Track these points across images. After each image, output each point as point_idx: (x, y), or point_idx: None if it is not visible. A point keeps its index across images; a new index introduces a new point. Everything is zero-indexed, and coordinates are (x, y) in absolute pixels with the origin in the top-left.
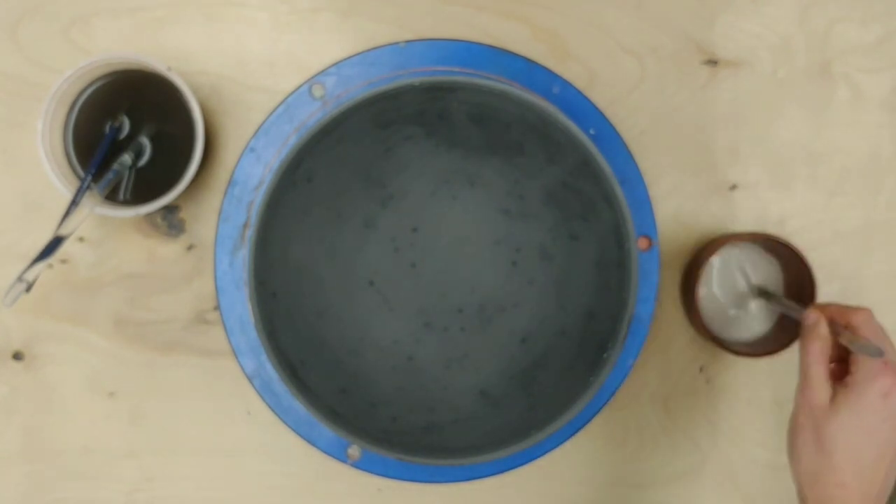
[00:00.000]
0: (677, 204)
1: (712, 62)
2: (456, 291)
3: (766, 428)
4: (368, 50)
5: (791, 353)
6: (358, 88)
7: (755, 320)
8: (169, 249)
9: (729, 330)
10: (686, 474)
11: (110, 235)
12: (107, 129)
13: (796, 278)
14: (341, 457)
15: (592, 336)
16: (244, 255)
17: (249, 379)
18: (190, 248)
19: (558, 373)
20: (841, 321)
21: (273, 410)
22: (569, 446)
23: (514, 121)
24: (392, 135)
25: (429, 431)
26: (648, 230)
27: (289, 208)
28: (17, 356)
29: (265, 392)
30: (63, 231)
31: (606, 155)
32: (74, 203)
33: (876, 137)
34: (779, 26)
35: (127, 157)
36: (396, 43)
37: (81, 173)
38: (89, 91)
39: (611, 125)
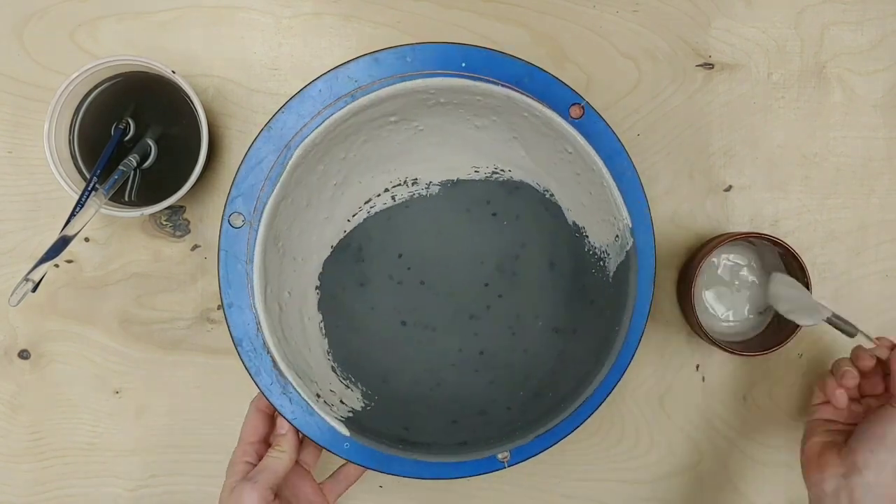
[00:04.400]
0: (673, 205)
1: (708, 65)
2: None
3: (762, 425)
4: (369, 53)
5: (787, 352)
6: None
7: (750, 319)
8: (174, 249)
9: (724, 328)
10: (682, 471)
11: (116, 235)
12: (112, 130)
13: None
14: (400, 471)
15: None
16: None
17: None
18: (194, 248)
19: (557, 371)
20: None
21: (321, 445)
22: (566, 443)
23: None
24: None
25: (452, 430)
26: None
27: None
28: (24, 354)
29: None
30: (69, 231)
31: (603, 155)
32: (80, 204)
33: (869, 139)
34: (773, 30)
35: (132, 159)
36: (397, 46)
37: (87, 174)
38: (95, 93)
39: (562, 83)
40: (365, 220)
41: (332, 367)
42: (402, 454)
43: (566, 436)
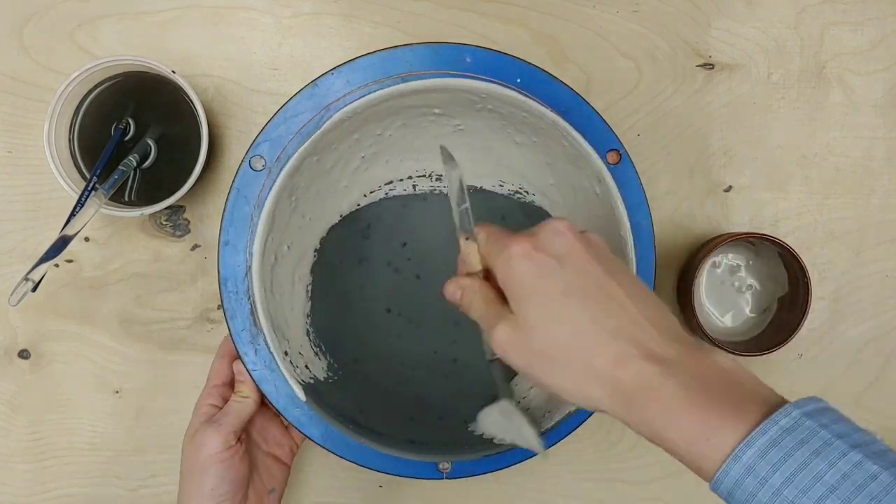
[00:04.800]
0: (673, 205)
1: (708, 65)
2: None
3: None
4: (370, 53)
5: (786, 352)
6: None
7: (750, 319)
8: (174, 249)
9: (724, 329)
10: (680, 472)
11: (116, 235)
12: (112, 130)
13: (791, 278)
14: (342, 452)
15: None
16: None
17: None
18: (194, 248)
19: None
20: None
21: (273, 406)
22: (565, 443)
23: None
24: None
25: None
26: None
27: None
28: (24, 354)
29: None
30: (69, 231)
31: (628, 203)
32: (80, 203)
33: (869, 139)
34: (773, 30)
35: (132, 159)
36: (459, 44)
37: (87, 174)
38: (95, 93)
39: (605, 123)
40: (381, 200)
41: (308, 331)
42: (352, 436)
43: (564, 437)
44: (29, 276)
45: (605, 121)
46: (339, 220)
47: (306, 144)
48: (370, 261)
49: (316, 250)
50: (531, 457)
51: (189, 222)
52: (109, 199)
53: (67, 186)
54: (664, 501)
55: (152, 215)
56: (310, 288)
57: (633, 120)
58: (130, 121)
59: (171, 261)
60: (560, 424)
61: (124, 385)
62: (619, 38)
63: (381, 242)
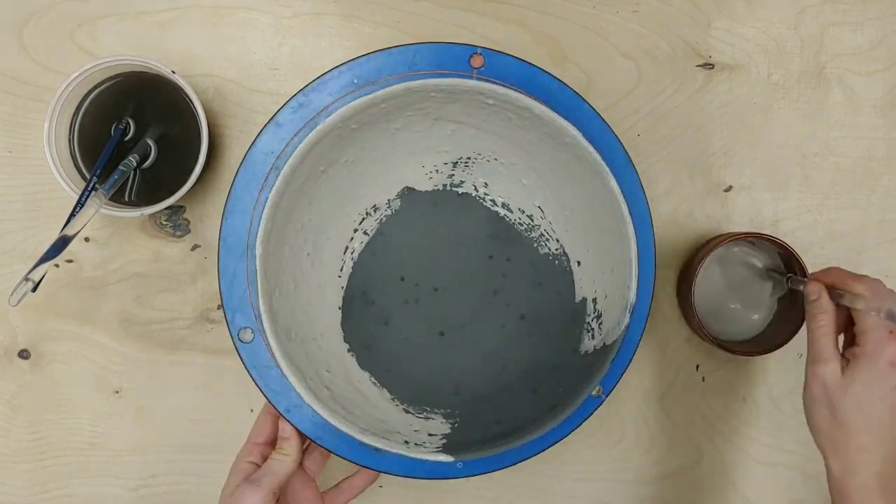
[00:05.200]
0: (673, 205)
1: (708, 65)
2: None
3: (762, 425)
4: (370, 54)
5: (786, 352)
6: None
7: (750, 319)
8: (174, 249)
9: (724, 329)
10: (682, 471)
11: (116, 235)
12: (112, 130)
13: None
14: (343, 452)
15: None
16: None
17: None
18: (194, 248)
19: (556, 370)
20: (843, 287)
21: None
22: (566, 443)
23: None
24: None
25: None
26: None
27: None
28: (24, 354)
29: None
30: (69, 231)
31: (603, 155)
32: (80, 204)
33: (869, 139)
34: (773, 30)
35: (132, 159)
36: (398, 47)
37: (87, 174)
38: (95, 93)
39: (605, 123)
40: (353, 266)
41: (404, 409)
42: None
43: (566, 436)
44: (29, 277)
45: (605, 121)
46: (341, 313)
47: (262, 305)
48: (392, 315)
49: (349, 351)
50: (531, 457)
51: (189, 222)
52: (109, 199)
53: (67, 186)
54: (664, 501)
55: (152, 215)
56: (373, 379)
57: (633, 120)
58: (130, 121)
59: (171, 261)
60: (561, 424)
61: (124, 385)
62: (619, 38)
63: (385, 294)
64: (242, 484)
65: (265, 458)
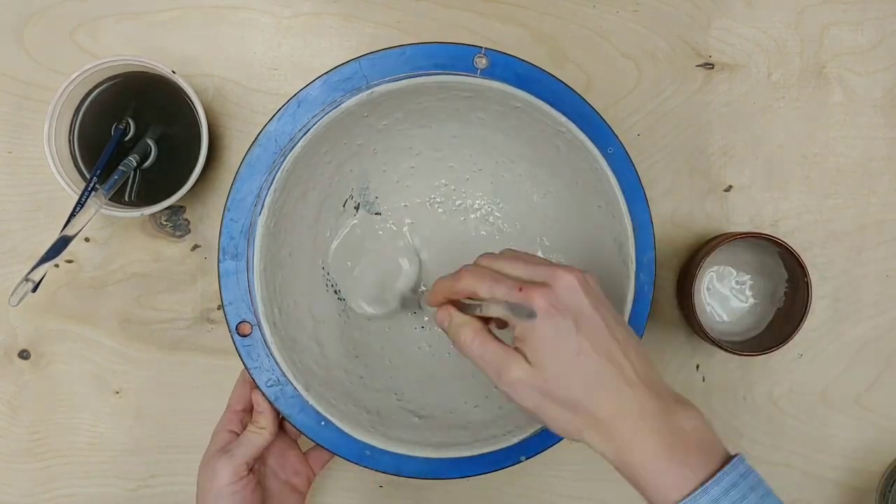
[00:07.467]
0: (673, 205)
1: (708, 65)
2: None
3: (761, 424)
4: (369, 54)
5: (786, 352)
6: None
7: (750, 319)
8: (174, 249)
9: (724, 329)
10: None
11: (116, 236)
12: (112, 130)
13: (791, 278)
14: (343, 453)
15: None
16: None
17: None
18: (194, 248)
19: None
20: (463, 297)
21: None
22: (565, 443)
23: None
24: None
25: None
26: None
27: None
28: (24, 355)
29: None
30: (69, 231)
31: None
32: (80, 204)
33: (869, 139)
34: (773, 30)
35: (132, 159)
36: (398, 46)
37: (87, 174)
38: (95, 93)
39: (605, 123)
40: (365, 325)
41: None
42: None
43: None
44: (29, 277)
45: (605, 121)
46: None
47: (284, 369)
48: (403, 334)
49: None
50: (531, 456)
51: (189, 222)
52: (109, 199)
53: (67, 186)
54: None
55: (152, 215)
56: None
57: (633, 120)
58: (130, 121)
59: (171, 261)
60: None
61: (124, 385)
62: (619, 38)
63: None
64: (216, 454)
65: (244, 426)
